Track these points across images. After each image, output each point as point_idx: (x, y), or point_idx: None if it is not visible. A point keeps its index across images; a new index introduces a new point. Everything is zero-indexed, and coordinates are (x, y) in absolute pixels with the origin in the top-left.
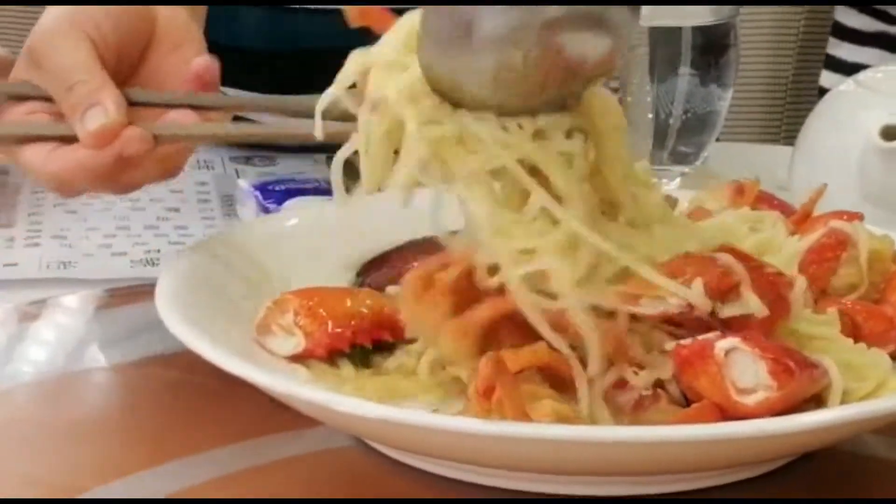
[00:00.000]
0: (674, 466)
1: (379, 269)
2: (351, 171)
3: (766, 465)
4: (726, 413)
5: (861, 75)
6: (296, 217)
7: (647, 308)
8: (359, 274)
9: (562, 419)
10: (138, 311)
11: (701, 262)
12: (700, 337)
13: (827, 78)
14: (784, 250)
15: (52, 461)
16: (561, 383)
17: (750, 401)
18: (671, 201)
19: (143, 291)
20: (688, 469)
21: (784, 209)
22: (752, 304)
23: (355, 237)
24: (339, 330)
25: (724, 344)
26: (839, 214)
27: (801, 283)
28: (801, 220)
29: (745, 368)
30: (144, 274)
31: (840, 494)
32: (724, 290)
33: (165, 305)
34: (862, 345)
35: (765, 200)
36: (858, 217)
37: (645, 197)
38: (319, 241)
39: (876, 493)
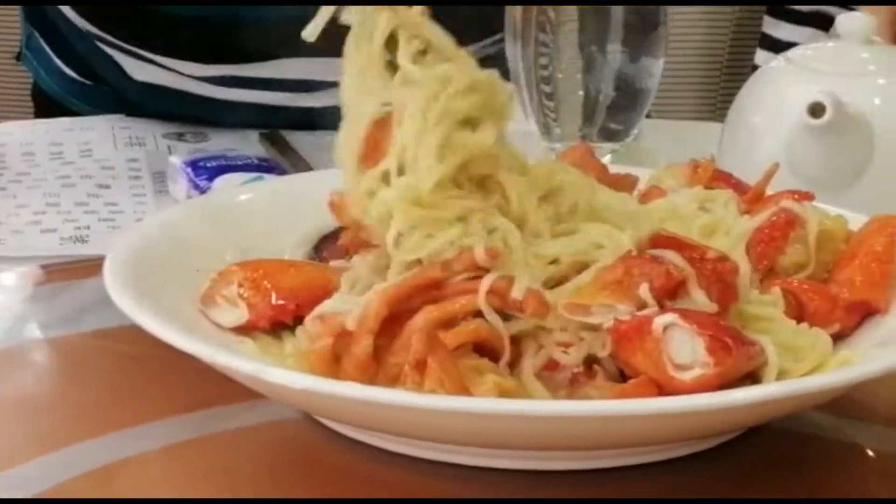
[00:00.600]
0: (609, 441)
1: (333, 243)
2: (284, 147)
3: (709, 442)
4: (663, 389)
5: (791, 52)
6: (249, 192)
7: (599, 317)
8: (316, 248)
9: (505, 394)
10: (79, 288)
11: (645, 262)
12: (638, 313)
13: (762, 57)
14: (733, 231)
15: None
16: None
17: (686, 377)
18: (631, 180)
19: (81, 267)
20: (624, 444)
21: (740, 188)
22: (699, 300)
23: (310, 213)
24: (282, 302)
25: (662, 320)
26: (790, 194)
27: (745, 266)
28: (753, 199)
29: (683, 345)
30: (74, 251)
31: (783, 472)
32: (671, 289)
33: (112, 279)
34: (804, 325)
35: (722, 179)
36: (809, 197)
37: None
38: (274, 216)
39: (819, 472)
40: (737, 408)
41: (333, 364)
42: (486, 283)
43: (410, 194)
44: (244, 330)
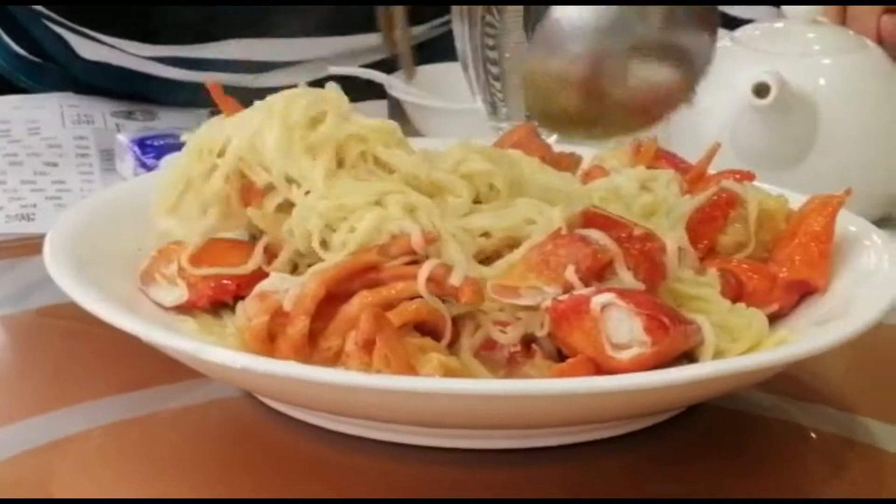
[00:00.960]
0: (547, 420)
1: None
2: None
3: (647, 420)
4: (600, 368)
5: (738, 32)
6: None
7: (527, 299)
8: None
9: (449, 373)
10: (26, 265)
11: (572, 243)
12: (576, 292)
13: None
14: (673, 211)
15: None
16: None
17: (624, 356)
18: (574, 159)
19: (27, 244)
20: (561, 423)
21: (683, 167)
22: (626, 280)
23: None
24: (223, 282)
25: (600, 299)
26: (731, 174)
27: (671, 244)
28: (695, 178)
29: (620, 324)
30: (20, 229)
31: (723, 452)
32: (597, 270)
33: (52, 256)
34: (740, 305)
35: (665, 158)
36: (750, 177)
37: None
38: None
39: (759, 452)
40: (673, 386)
41: (268, 343)
42: (425, 270)
43: (312, 198)
44: (184, 309)
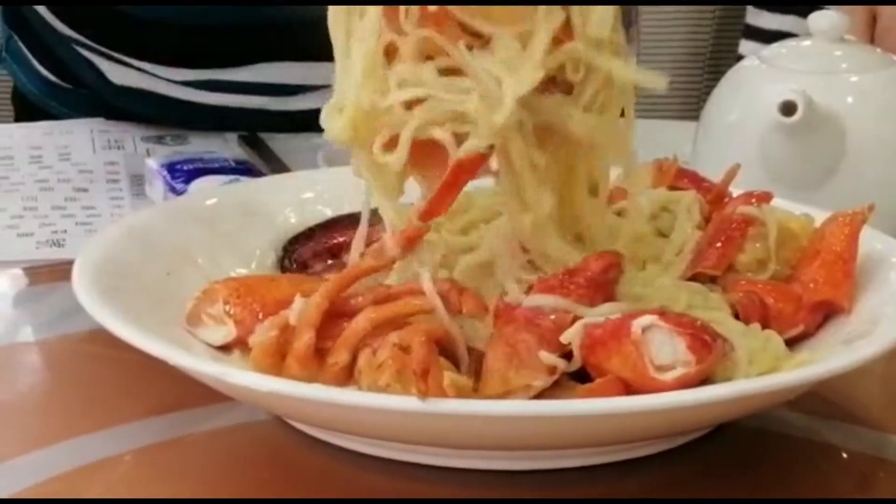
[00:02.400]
0: (579, 440)
1: (304, 244)
2: (263, 150)
3: (672, 441)
4: (640, 391)
5: (765, 51)
6: (220, 195)
7: (523, 395)
8: (285, 249)
9: (461, 392)
10: (56, 290)
11: (524, 329)
12: (609, 318)
13: (747, 48)
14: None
15: None
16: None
17: (668, 377)
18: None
19: (60, 270)
20: (591, 443)
21: (706, 187)
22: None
23: (281, 215)
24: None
25: (640, 322)
26: (748, 198)
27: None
28: (715, 200)
29: (663, 346)
30: (50, 255)
31: (749, 469)
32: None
33: (81, 282)
34: (755, 327)
35: (687, 177)
36: (767, 198)
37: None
38: (245, 219)
39: (788, 471)
40: (708, 405)
41: (277, 358)
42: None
43: None
44: (228, 347)
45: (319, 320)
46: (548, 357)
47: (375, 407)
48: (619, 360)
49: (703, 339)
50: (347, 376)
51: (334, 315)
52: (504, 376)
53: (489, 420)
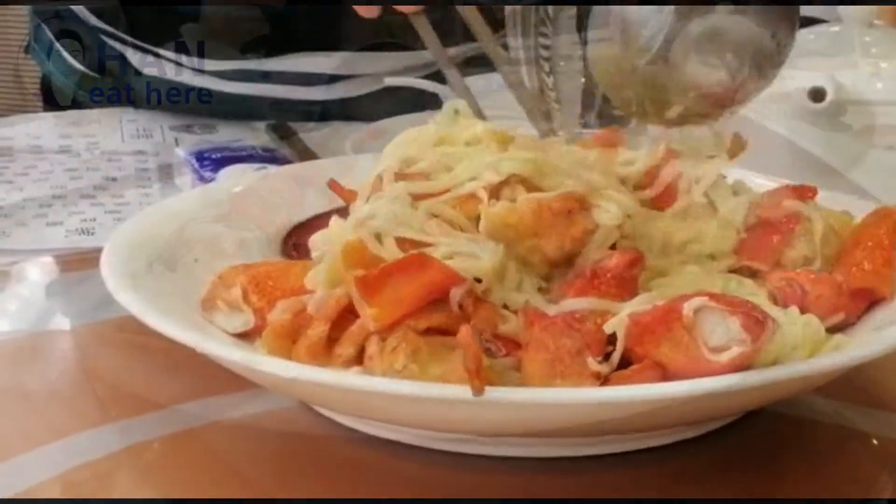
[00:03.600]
0: (619, 425)
1: (306, 231)
2: (291, 138)
3: (701, 428)
4: (691, 374)
5: None
6: (243, 185)
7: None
8: (287, 236)
9: (502, 379)
10: (87, 279)
11: (563, 334)
12: (654, 305)
13: None
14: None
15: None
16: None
17: (724, 358)
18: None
19: (91, 258)
20: (628, 429)
21: None
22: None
23: (309, 201)
24: None
25: (692, 304)
26: (793, 191)
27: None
28: None
29: (716, 326)
30: (79, 244)
31: (779, 455)
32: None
33: (109, 270)
34: (793, 310)
35: None
36: (811, 192)
37: None
38: (269, 207)
39: (820, 457)
40: (743, 390)
41: (287, 341)
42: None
43: None
44: (246, 335)
45: (336, 314)
46: (594, 364)
47: (428, 397)
48: (669, 345)
49: (756, 317)
50: (352, 366)
51: (346, 309)
52: (549, 384)
53: (554, 408)
